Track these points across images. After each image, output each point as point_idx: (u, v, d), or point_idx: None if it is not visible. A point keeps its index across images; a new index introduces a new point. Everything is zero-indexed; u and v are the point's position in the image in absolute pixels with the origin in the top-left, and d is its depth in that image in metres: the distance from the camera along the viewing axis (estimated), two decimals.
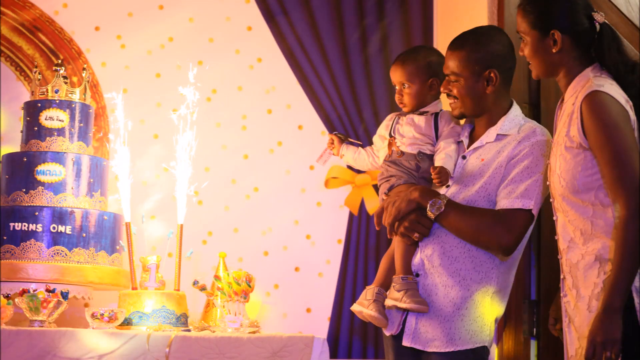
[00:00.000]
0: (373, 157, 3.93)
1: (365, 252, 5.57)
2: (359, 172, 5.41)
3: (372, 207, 5.43)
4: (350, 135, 5.51)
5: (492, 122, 3.60)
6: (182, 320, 4.59)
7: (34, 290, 4.42)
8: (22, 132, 4.99)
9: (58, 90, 4.93)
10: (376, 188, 4.51)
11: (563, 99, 3.40)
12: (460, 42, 3.61)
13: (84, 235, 4.77)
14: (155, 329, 4.37)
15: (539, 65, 3.42)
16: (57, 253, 4.71)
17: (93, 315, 4.35)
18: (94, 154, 5.17)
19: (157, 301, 4.54)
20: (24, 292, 4.44)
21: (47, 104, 4.91)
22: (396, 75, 3.77)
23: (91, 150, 5.05)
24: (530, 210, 3.46)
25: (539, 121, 4.20)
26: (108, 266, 4.86)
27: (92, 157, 4.93)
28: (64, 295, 4.49)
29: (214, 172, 5.58)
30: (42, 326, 4.32)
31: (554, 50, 3.35)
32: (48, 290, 4.47)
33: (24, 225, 4.72)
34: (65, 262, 4.72)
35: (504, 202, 3.47)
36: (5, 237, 4.74)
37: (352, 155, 3.98)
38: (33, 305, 4.32)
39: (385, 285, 3.64)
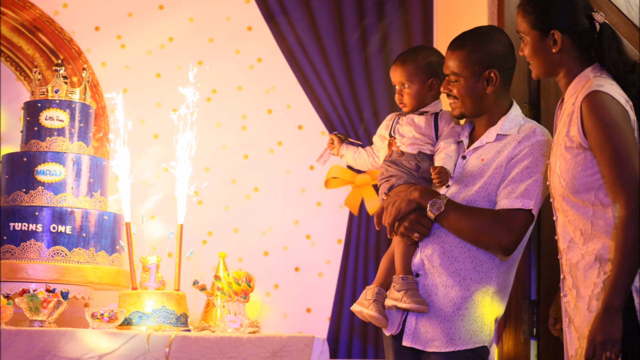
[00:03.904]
0: (373, 157, 3.93)
1: (365, 252, 5.57)
2: (359, 172, 5.41)
3: (372, 207, 5.43)
4: (350, 135, 5.51)
5: (492, 122, 3.60)
6: (182, 320, 4.59)
7: (34, 290, 4.43)
8: (22, 132, 4.99)
9: (58, 90, 4.93)
10: (376, 188, 4.50)
11: (563, 99, 3.40)
12: (460, 42, 3.61)
13: (84, 235, 4.77)
14: (155, 329, 4.37)
15: (539, 65, 3.42)
16: (57, 253, 4.71)
17: (93, 315, 4.35)
18: (94, 154, 5.17)
19: (157, 301, 4.54)
20: (24, 292, 4.45)
21: (47, 104, 4.91)
22: (396, 75, 3.77)
23: (91, 150, 5.05)
24: (531, 210, 3.46)
25: (539, 121, 4.21)
26: (108, 266, 4.86)
27: (92, 157, 4.93)
28: (64, 295, 4.49)
29: (214, 172, 5.58)
30: (42, 326, 4.31)
31: (554, 50, 3.35)
32: (48, 290, 4.47)
33: (24, 225, 4.72)
34: (65, 262, 4.72)
35: (504, 202, 3.47)
36: (5, 237, 4.74)
37: (352, 155, 3.98)
38: (33, 305, 4.32)
39: (386, 285, 3.64)
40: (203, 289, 4.60)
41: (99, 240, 4.82)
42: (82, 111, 4.97)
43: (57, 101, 4.91)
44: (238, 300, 4.45)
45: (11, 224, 4.73)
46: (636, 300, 3.12)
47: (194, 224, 5.34)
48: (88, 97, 5.05)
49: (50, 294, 4.45)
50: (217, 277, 4.62)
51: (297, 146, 5.70)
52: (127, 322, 4.49)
